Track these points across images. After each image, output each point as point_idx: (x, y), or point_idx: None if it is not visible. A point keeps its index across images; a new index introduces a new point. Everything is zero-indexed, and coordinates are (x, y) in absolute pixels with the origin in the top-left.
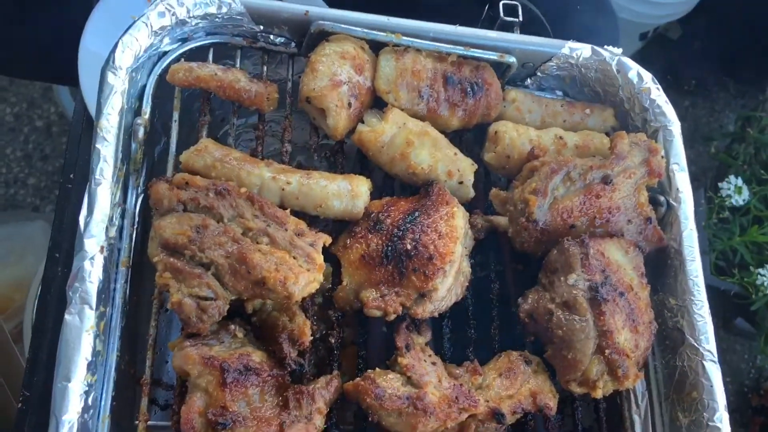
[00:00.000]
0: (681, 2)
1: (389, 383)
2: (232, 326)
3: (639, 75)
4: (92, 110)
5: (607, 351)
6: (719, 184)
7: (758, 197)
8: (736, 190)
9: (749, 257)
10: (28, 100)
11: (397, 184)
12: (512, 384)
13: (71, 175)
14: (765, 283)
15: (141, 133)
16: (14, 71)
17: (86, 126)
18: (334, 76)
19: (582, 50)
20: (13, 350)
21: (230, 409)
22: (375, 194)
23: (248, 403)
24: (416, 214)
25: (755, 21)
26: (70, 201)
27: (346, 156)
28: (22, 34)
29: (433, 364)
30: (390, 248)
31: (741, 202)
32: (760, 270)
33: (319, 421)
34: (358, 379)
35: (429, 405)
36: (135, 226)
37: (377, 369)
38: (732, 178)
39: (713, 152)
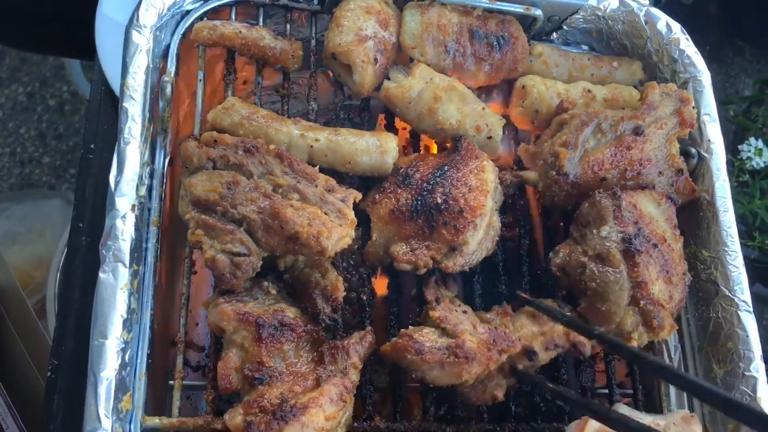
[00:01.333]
0: None
1: (426, 337)
2: (266, 283)
3: (668, 25)
4: (110, 77)
5: (642, 302)
6: (739, 147)
7: None
8: (756, 152)
9: None
10: (40, 80)
11: (422, 143)
12: (545, 323)
13: (92, 145)
14: None
15: (168, 90)
16: (29, 45)
17: (105, 95)
18: (360, 30)
19: (609, 1)
20: (37, 325)
21: (266, 364)
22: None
23: (284, 358)
24: (446, 168)
25: None
26: (92, 171)
27: (372, 114)
28: (36, 6)
29: (464, 312)
30: (420, 202)
31: (762, 164)
32: None
33: (354, 375)
34: (394, 339)
35: (469, 351)
36: (163, 187)
37: (410, 326)
38: (752, 140)
39: (732, 115)
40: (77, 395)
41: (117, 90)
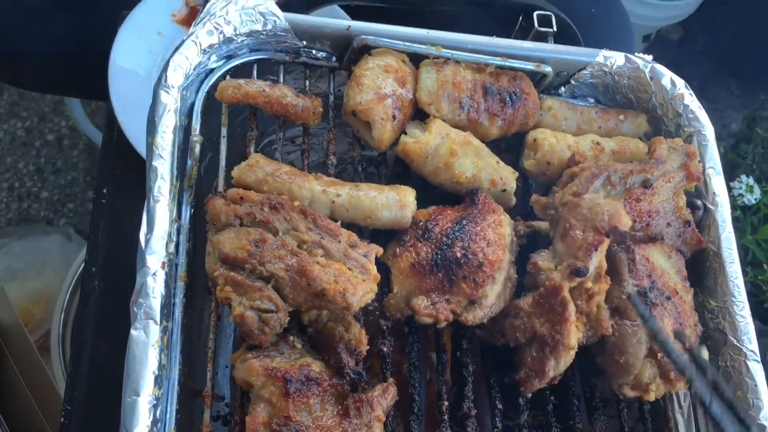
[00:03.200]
0: (684, 4)
1: None
2: (291, 338)
3: (672, 81)
4: (123, 125)
5: (659, 354)
6: (730, 184)
7: None
8: (747, 189)
9: (762, 255)
10: (38, 115)
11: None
12: None
13: (104, 190)
14: None
15: (197, 150)
16: (37, 86)
17: (117, 140)
18: (379, 89)
19: (615, 58)
20: (41, 364)
21: (294, 419)
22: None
23: (310, 412)
24: (464, 222)
25: (755, 20)
26: (104, 215)
27: (388, 167)
28: (44, 48)
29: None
30: (440, 256)
31: (753, 201)
32: None
33: (378, 429)
34: None
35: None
36: (189, 243)
37: None
38: (743, 177)
39: (721, 152)
40: None
41: (131, 137)
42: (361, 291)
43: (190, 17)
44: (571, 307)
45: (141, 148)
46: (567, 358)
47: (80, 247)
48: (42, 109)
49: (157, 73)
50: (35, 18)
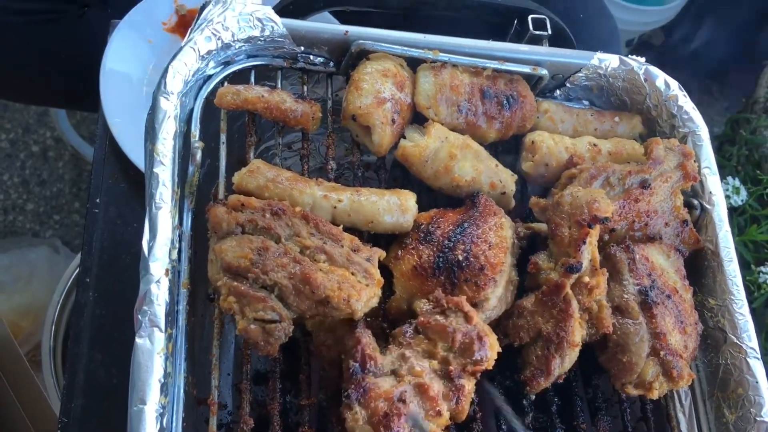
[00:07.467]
0: (665, 9)
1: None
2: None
3: (666, 83)
4: (115, 132)
5: (661, 353)
6: None
7: (754, 197)
8: (734, 191)
9: (749, 256)
10: (23, 126)
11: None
12: None
13: (97, 199)
14: (767, 281)
15: (198, 156)
16: (26, 98)
17: (109, 149)
18: (378, 93)
19: (610, 61)
20: (32, 379)
21: None
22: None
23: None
24: (465, 225)
25: (734, 24)
26: (98, 225)
27: (387, 171)
28: (32, 60)
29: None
30: (441, 259)
31: (740, 203)
32: (762, 268)
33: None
34: None
35: None
36: (191, 249)
37: None
38: (729, 179)
39: None
40: None
41: (123, 145)
42: (366, 296)
43: (180, 26)
44: (575, 304)
45: (133, 156)
46: (572, 356)
47: (68, 259)
48: (26, 120)
49: (150, 80)
50: (23, 31)
